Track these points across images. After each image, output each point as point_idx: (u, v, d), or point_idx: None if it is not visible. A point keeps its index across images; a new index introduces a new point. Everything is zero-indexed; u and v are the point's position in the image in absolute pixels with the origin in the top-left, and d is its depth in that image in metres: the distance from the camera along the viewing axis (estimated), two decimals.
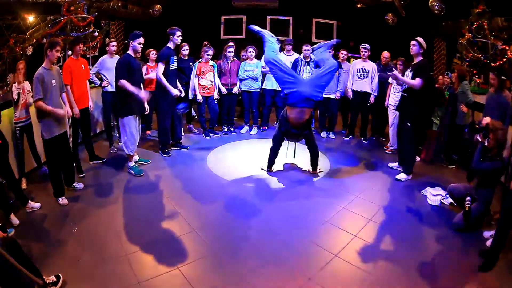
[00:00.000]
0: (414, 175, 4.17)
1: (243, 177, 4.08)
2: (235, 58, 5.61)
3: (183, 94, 4.81)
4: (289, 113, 3.75)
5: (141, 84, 4.10)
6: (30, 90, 3.41)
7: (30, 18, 3.83)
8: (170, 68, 4.42)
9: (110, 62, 4.54)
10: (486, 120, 2.96)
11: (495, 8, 4.34)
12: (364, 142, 5.63)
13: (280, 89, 5.53)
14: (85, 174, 3.97)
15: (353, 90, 5.50)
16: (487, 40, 4.40)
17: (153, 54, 5.20)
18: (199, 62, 5.24)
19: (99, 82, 4.66)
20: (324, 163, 4.51)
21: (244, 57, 5.71)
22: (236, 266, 2.51)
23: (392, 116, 4.96)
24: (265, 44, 4.06)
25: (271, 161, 4.20)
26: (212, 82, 5.29)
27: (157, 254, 2.63)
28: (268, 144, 4.24)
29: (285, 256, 2.65)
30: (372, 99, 5.39)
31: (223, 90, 5.46)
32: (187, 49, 5.23)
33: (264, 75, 5.66)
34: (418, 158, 4.60)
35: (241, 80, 5.58)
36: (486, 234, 2.94)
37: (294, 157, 4.32)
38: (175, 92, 4.40)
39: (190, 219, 3.14)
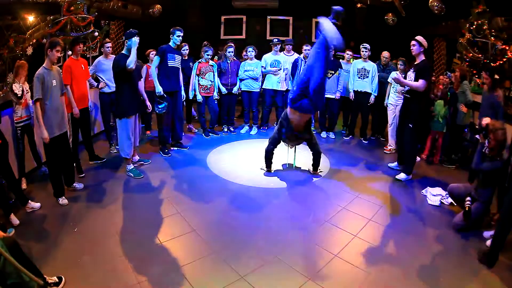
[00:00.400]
0: (414, 175, 4.17)
1: (243, 177, 4.07)
2: (235, 58, 5.61)
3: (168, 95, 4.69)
4: (291, 114, 3.81)
5: (138, 83, 4.07)
6: (29, 90, 3.40)
7: (30, 18, 3.82)
8: (169, 65, 4.43)
9: (105, 63, 4.51)
10: (486, 120, 2.97)
11: (495, 8, 4.34)
12: (364, 142, 5.63)
13: (280, 89, 5.63)
14: (85, 174, 3.97)
15: (353, 90, 5.51)
16: (487, 40, 4.41)
17: (153, 54, 5.20)
18: (199, 62, 5.24)
19: (96, 83, 4.64)
20: (324, 163, 4.50)
21: (245, 57, 5.72)
22: (236, 266, 2.51)
23: (392, 115, 4.96)
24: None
25: (269, 161, 4.21)
26: (212, 82, 5.30)
27: (157, 254, 2.64)
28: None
29: (285, 256, 2.64)
30: (372, 99, 5.40)
31: (223, 90, 5.46)
32: (187, 49, 5.24)
33: (264, 75, 5.66)
34: (418, 158, 4.60)
35: (241, 80, 5.58)
36: (486, 234, 2.94)
37: (294, 166, 4.41)
38: (159, 89, 4.37)
39: (190, 219, 3.14)
